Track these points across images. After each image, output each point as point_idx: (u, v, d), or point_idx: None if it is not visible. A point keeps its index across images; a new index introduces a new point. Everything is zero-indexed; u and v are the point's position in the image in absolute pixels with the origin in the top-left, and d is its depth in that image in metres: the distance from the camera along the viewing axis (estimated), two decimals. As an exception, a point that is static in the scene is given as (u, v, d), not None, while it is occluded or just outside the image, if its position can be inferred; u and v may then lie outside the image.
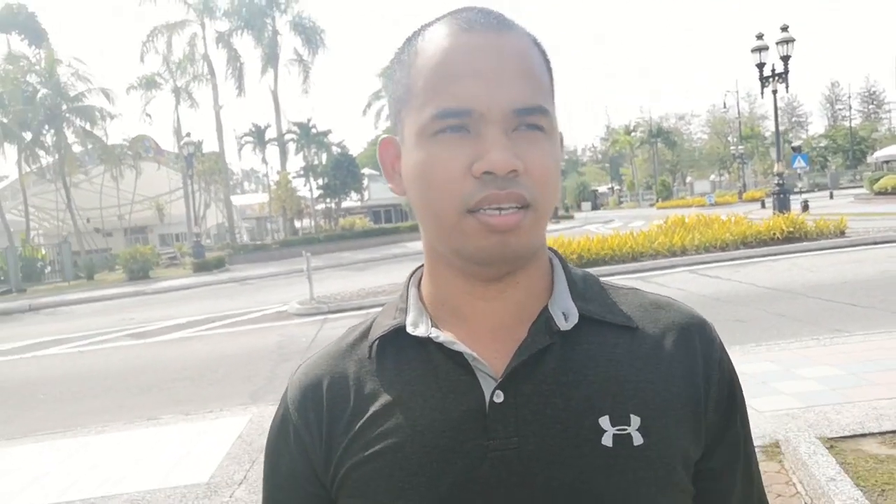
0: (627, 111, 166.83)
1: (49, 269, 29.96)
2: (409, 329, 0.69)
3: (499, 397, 0.65)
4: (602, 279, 0.77)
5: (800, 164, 24.07)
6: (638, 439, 0.64)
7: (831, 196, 34.24)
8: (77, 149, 29.04)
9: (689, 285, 10.21)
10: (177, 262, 28.66)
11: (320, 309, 11.59)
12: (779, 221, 14.30)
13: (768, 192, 24.19)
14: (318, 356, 0.76)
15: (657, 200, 54.45)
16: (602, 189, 74.88)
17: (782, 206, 16.39)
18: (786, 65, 16.49)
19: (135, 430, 5.44)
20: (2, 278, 27.88)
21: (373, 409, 0.68)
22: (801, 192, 27.97)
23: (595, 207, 61.07)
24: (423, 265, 0.75)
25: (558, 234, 16.74)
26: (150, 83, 29.98)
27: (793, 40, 16.29)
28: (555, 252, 0.76)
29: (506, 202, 0.61)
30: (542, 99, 0.64)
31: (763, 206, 29.96)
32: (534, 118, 0.62)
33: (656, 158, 68.05)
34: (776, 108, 18.09)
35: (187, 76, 31.21)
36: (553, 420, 0.64)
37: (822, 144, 68.01)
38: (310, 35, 33.41)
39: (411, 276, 0.77)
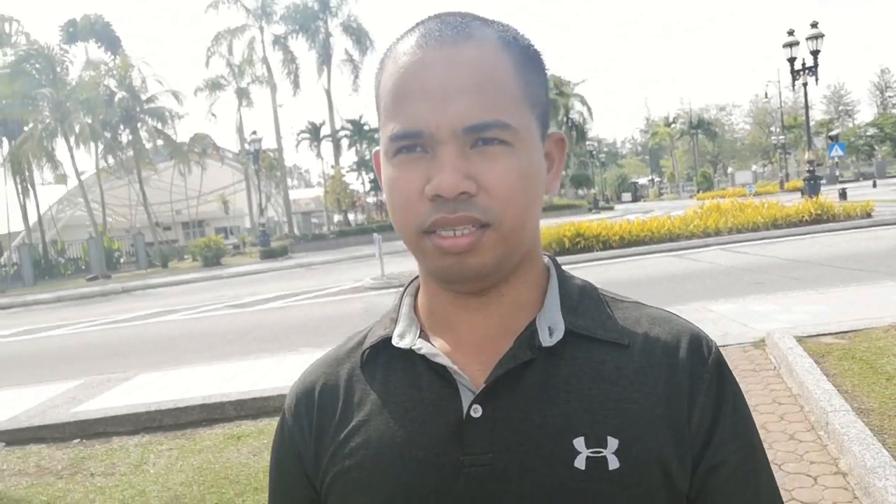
0: (668, 102, 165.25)
1: (123, 258, 32.51)
2: (395, 341, 0.70)
3: (476, 412, 0.64)
4: (604, 291, 0.74)
5: (837, 152, 24.83)
6: (614, 463, 0.62)
7: (874, 185, 34.42)
8: (148, 146, 31.41)
9: (719, 259, 11.56)
10: (241, 251, 30.82)
11: (392, 283, 13.25)
12: (807, 205, 15.44)
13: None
14: (316, 362, 0.78)
15: (697, 192, 54.90)
16: (642, 181, 75.29)
17: (812, 191, 17.50)
18: (815, 59, 17.60)
19: (282, 357, 7.12)
20: (83, 267, 30.55)
21: (358, 418, 0.69)
22: (840, 181, 28.50)
23: (635, 199, 61.66)
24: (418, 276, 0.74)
25: (601, 219, 18.14)
26: (214, 85, 32.26)
27: (822, 36, 17.39)
28: (553, 262, 0.74)
29: (457, 224, 0.60)
30: (501, 111, 0.60)
31: (803, 194, 30.55)
32: (489, 133, 0.60)
33: (696, 150, 68.26)
34: (806, 101, 19.19)
35: (248, 78, 33.43)
36: (528, 438, 0.63)
37: (868, 133, 67.23)
38: (359, 37, 35.23)
39: (408, 285, 0.77)
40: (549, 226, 15.45)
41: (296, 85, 33.58)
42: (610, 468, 0.62)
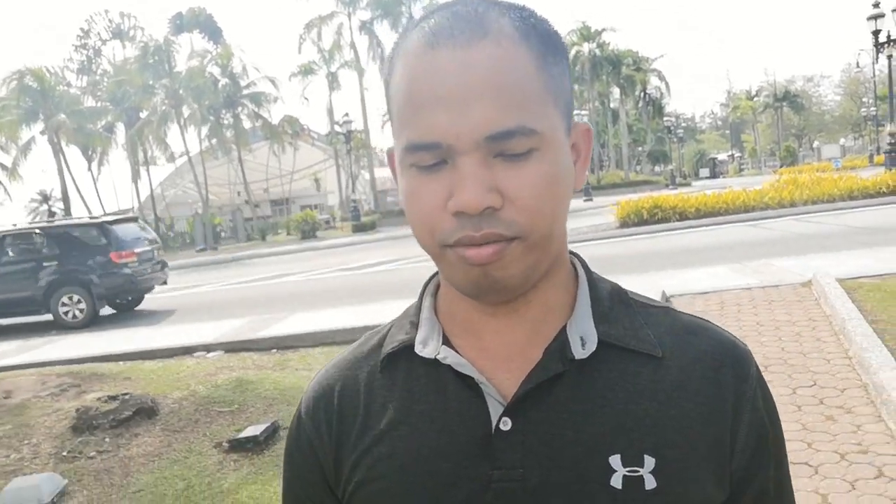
0: (751, 74, 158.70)
1: (224, 233, 35.37)
2: (418, 348, 0.67)
3: (506, 424, 0.62)
4: (633, 295, 0.71)
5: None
6: (651, 483, 0.60)
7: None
8: (247, 127, 34.01)
9: (790, 228, 12.42)
10: (332, 226, 33.04)
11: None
12: (885, 177, 15.85)
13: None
14: (333, 364, 0.75)
15: (780, 167, 53.67)
16: (722, 157, 73.75)
17: (893, 163, 17.78)
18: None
19: (406, 301, 8.70)
20: (188, 241, 33.52)
21: (381, 426, 0.67)
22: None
23: (714, 175, 60.66)
24: (438, 272, 0.71)
25: (677, 192, 18.97)
26: (307, 70, 34.38)
27: (906, 9, 17.54)
28: (581, 261, 0.71)
29: (482, 241, 0.57)
30: (525, 115, 0.56)
31: (886, 168, 29.96)
32: (514, 140, 0.56)
33: (780, 123, 66.28)
34: (891, 74, 19.25)
35: (337, 63, 35.43)
36: (561, 453, 0.61)
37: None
38: (441, 19, 36.42)
39: (427, 284, 0.74)
40: (628, 199, 16.50)
41: (381, 68, 35.31)
42: (647, 488, 0.60)
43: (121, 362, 6.64)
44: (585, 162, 0.66)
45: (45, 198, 32.90)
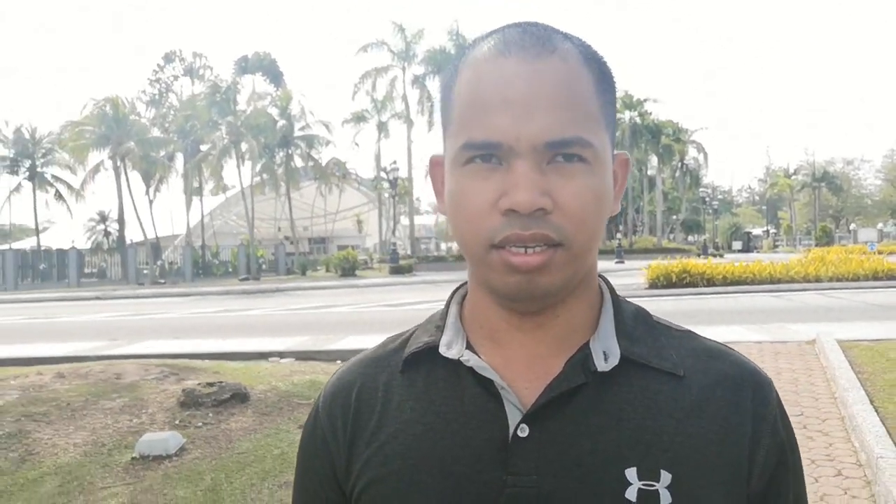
0: (791, 152, 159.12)
1: (265, 265, 36.87)
2: (442, 349, 0.68)
3: (523, 431, 0.63)
4: (658, 318, 0.73)
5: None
6: (666, 498, 0.61)
7: None
8: (298, 165, 35.86)
9: (812, 300, 13.13)
10: (370, 266, 34.31)
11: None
12: (910, 261, 16.48)
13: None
14: (353, 361, 0.76)
15: (815, 246, 53.80)
16: (756, 231, 73.92)
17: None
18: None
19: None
20: (230, 270, 35.04)
21: (396, 425, 0.68)
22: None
23: (747, 249, 60.89)
24: (466, 282, 0.73)
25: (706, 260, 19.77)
26: (359, 118, 36.33)
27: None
28: (606, 283, 0.73)
29: (530, 242, 0.60)
30: (583, 129, 0.61)
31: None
32: (570, 150, 0.60)
33: (817, 203, 66.55)
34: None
35: (388, 113, 37.38)
36: (576, 463, 0.62)
37: None
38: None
39: (455, 292, 0.75)
40: (658, 263, 17.36)
41: (430, 122, 37.12)
42: (662, 503, 0.60)
43: (206, 360, 7.68)
44: (621, 190, 0.69)
45: (103, 218, 34.81)
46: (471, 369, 0.66)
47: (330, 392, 0.74)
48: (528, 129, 0.59)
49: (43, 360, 7.78)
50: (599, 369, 0.64)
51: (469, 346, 0.69)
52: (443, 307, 0.74)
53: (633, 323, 0.70)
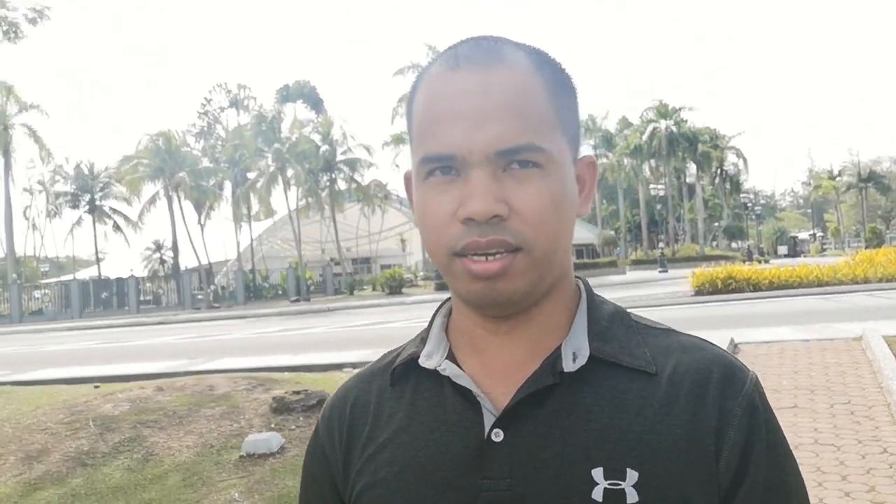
0: (834, 153, 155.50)
1: (313, 287, 37.89)
2: (422, 360, 0.71)
3: (497, 436, 0.65)
4: (637, 317, 0.74)
5: None
6: (633, 496, 0.61)
7: None
8: (342, 188, 36.92)
9: (860, 301, 13.23)
10: (415, 284, 35.01)
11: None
12: (961, 260, 16.35)
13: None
14: (353, 377, 0.80)
15: (864, 248, 52.64)
16: (803, 235, 72.48)
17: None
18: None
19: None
20: (280, 292, 36.14)
21: (385, 435, 0.71)
22: None
23: (794, 254, 59.78)
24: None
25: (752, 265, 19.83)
26: (398, 140, 37.17)
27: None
28: (585, 285, 0.74)
29: (489, 248, 0.61)
30: (534, 135, 0.62)
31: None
32: (523, 156, 0.62)
33: (865, 204, 65.07)
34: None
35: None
36: (546, 465, 0.63)
37: None
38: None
39: (442, 304, 0.77)
40: (703, 270, 17.55)
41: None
42: (628, 502, 0.61)
43: (284, 373, 8.34)
44: (590, 193, 0.71)
45: (158, 247, 36.36)
46: (449, 378, 0.68)
47: (329, 406, 0.78)
48: (480, 139, 0.62)
49: (137, 377, 8.55)
50: (567, 370, 0.66)
51: (451, 356, 0.71)
52: (430, 319, 0.77)
53: (607, 323, 0.71)
